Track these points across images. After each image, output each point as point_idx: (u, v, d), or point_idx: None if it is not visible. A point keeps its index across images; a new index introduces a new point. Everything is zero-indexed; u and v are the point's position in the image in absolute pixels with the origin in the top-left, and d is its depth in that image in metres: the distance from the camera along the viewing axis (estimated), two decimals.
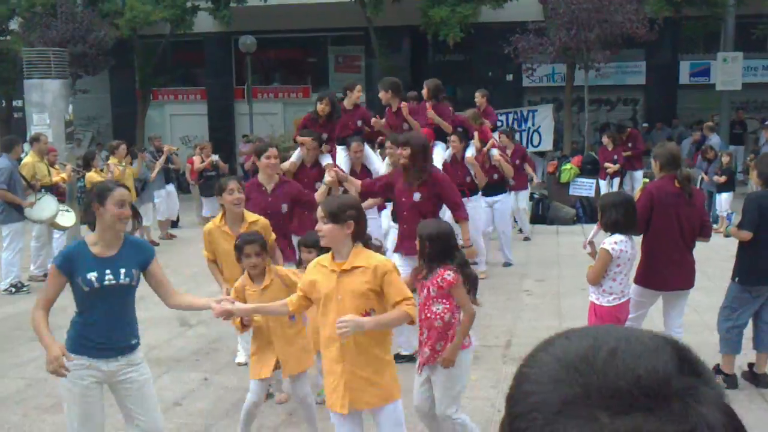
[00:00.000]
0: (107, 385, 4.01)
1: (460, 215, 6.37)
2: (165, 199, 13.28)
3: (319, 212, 3.76)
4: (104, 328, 3.88)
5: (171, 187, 13.58)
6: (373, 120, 8.55)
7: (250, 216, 5.52)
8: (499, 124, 16.94)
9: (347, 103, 8.66)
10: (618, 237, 4.95)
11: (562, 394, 0.78)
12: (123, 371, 3.95)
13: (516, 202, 11.87)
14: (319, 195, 6.53)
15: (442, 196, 6.30)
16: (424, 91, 8.65)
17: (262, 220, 5.55)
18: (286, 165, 7.82)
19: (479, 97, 11.55)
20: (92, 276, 3.81)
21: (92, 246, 3.88)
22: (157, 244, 12.75)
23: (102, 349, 3.89)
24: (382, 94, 8.36)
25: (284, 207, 6.18)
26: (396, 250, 6.44)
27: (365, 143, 8.47)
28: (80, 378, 3.87)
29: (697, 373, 0.80)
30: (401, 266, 5.51)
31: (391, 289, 3.67)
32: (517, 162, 11.85)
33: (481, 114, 10.90)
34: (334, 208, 3.71)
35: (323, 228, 3.71)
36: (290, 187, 6.36)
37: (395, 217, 7.35)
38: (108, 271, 3.83)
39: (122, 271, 3.86)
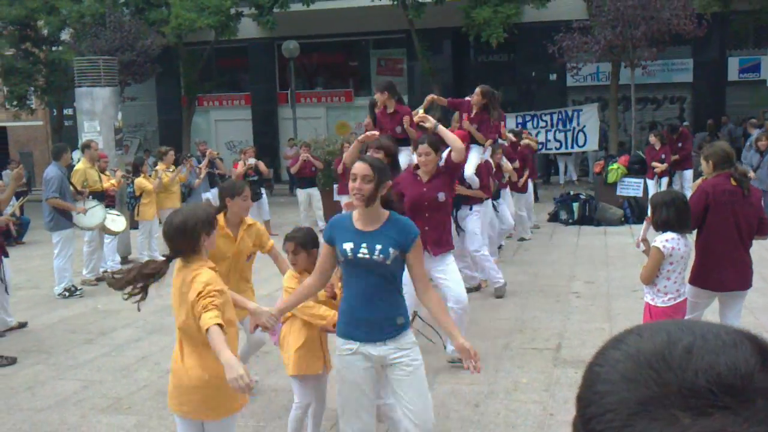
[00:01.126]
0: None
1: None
2: (210, 204, 13.45)
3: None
4: (360, 306, 3.76)
5: (215, 191, 13.74)
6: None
7: (248, 219, 5.50)
8: (543, 124, 16.86)
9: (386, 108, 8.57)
10: (669, 234, 4.85)
11: (638, 394, 0.75)
12: (390, 356, 3.75)
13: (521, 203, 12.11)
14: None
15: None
16: (477, 97, 8.49)
17: (258, 224, 5.55)
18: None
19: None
20: (348, 246, 3.73)
21: (356, 219, 3.79)
22: None
23: (363, 331, 3.76)
24: (377, 95, 8.24)
25: (441, 195, 6.07)
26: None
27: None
28: (348, 364, 3.81)
29: None
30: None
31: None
32: (517, 163, 11.89)
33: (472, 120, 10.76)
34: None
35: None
36: (445, 176, 6.16)
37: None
38: (364, 245, 3.70)
39: (379, 246, 3.69)
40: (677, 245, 4.83)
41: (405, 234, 3.73)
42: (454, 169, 6.24)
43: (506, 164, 10.71)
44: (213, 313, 3.36)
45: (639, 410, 0.74)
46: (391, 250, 3.67)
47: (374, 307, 3.71)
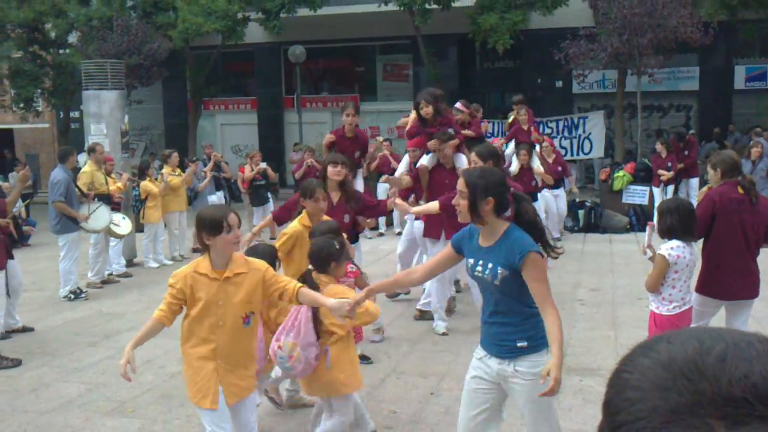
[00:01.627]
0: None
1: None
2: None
3: None
4: (486, 319, 3.72)
5: (220, 194, 13.75)
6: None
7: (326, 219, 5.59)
8: (549, 131, 16.84)
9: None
10: (674, 243, 4.84)
11: (671, 402, 0.74)
12: (509, 378, 3.62)
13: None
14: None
15: None
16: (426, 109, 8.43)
17: (332, 221, 5.57)
18: (421, 167, 7.79)
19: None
20: (469, 262, 3.70)
21: (480, 234, 3.70)
22: None
23: (487, 343, 3.70)
24: (423, 107, 8.18)
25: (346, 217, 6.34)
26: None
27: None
28: (473, 367, 3.79)
29: None
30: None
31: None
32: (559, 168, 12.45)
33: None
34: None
35: None
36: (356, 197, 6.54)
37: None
38: (480, 262, 3.64)
39: (489, 265, 3.58)
40: (682, 253, 4.81)
41: (513, 252, 3.51)
42: None
43: (537, 167, 10.77)
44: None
45: (672, 418, 0.73)
46: (499, 269, 3.52)
47: (492, 324, 3.66)
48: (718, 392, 0.73)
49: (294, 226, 5.70)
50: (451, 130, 7.80)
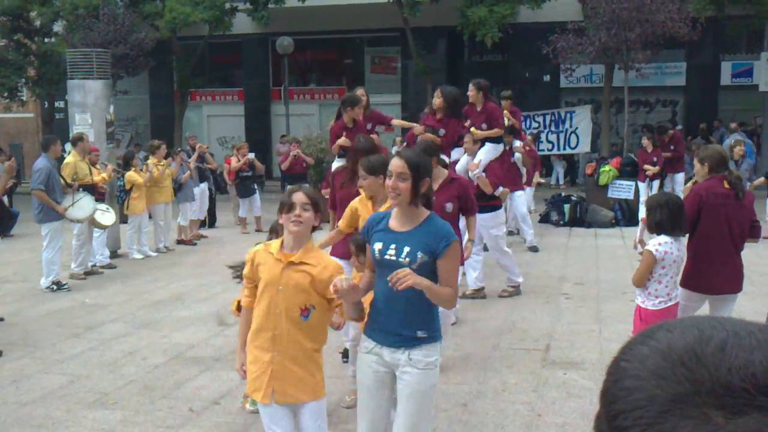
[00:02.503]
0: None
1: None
2: (198, 198, 13.31)
3: None
4: (383, 308, 3.60)
5: (204, 186, 13.63)
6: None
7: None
8: (536, 125, 16.90)
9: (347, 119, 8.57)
10: (663, 238, 4.85)
11: (669, 390, 0.73)
12: (401, 366, 3.56)
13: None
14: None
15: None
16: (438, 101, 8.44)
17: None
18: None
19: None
20: (377, 246, 3.57)
21: (392, 218, 3.62)
22: (194, 244, 12.87)
23: (380, 333, 3.61)
24: (471, 93, 8.37)
25: (448, 206, 6.16)
26: None
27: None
28: (364, 364, 3.69)
29: None
30: None
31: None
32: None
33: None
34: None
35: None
36: (457, 185, 6.27)
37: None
38: (393, 246, 3.52)
39: (406, 249, 3.48)
40: (670, 249, 4.82)
41: (439, 238, 3.48)
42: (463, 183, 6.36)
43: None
44: None
45: (670, 407, 0.72)
46: (419, 254, 3.45)
47: (394, 313, 3.54)
48: (717, 381, 0.72)
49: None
50: (442, 132, 7.89)
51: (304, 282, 3.61)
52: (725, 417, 0.70)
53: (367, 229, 3.71)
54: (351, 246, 4.66)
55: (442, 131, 7.90)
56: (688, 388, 0.72)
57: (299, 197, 3.59)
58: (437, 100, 8.04)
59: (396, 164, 3.53)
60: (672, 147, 13.97)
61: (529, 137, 12.81)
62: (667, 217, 4.82)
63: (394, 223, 3.58)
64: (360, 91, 8.60)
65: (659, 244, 4.83)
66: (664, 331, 0.80)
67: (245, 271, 3.80)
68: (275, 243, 3.74)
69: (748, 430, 0.68)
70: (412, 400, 3.54)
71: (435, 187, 5.53)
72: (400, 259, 3.46)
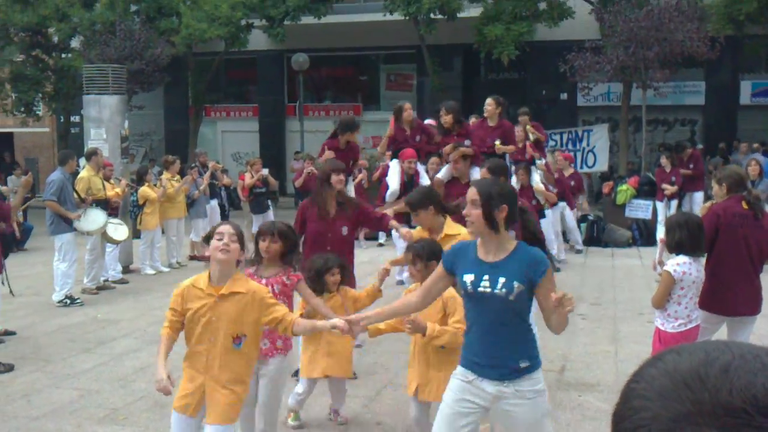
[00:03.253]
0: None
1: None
2: (209, 215, 13.27)
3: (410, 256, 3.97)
4: (479, 340, 3.51)
5: (214, 203, 13.58)
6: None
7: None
8: (553, 143, 16.80)
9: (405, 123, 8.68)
10: (681, 258, 4.76)
11: (672, 410, 0.75)
12: (508, 399, 3.45)
13: (567, 222, 12.33)
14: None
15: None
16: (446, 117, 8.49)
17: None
18: (436, 180, 7.79)
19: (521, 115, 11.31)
20: (468, 278, 3.48)
21: (479, 248, 3.54)
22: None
23: (481, 366, 3.50)
24: (489, 108, 8.34)
25: (344, 230, 6.15)
26: None
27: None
28: (458, 390, 3.55)
29: None
30: None
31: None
32: (572, 183, 12.06)
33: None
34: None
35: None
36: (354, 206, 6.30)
37: None
38: (486, 277, 3.44)
39: (502, 280, 3.41)
40: (689, 270, 4.73)
41: (533, 266, 3.41)
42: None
43: (536, 185, 10.51)
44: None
45: (671, 427, 0.74)
46: (515, 283, 3.37)
47: (496, 345, 3.44)
48: (718, 402, 0.74)
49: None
50: (468, 142, 7.78)
51: (234, 312, 3.81)
52: None
53: (452, 260, 3.61)
54: (408, 254, 4.60)
55: (468, 141, 7.91)
56: (689, 408, 0.74)
57: (227, 228, 3.85)
58: (447, 117, 8.02)
59: (469, 192, 3.55)
60: (691, 165, 13.83)
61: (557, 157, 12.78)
62: (686, 237, 4.74)
63: (482, 253, 3.49)
64: (407, 105, 8.71)
65: (678, 264, 4.74)
66: (673, 353, 0.82)
67: (171, 303, 3.97)
68: (203, 278, 3.92)
69: None
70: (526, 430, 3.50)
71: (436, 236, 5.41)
72: (496, 291, 3.38)
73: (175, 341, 3.97)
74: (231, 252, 3.81)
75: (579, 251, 12.68)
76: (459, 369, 3.57)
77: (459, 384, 3.54)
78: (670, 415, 0.75)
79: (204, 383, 3.86)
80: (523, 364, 3.43)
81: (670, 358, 0.82)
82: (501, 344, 3.43)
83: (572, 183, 12.63)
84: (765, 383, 0.74)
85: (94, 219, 9.79)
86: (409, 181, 8.61)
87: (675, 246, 4.81)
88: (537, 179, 10.51)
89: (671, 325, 4.82)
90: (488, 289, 3.39)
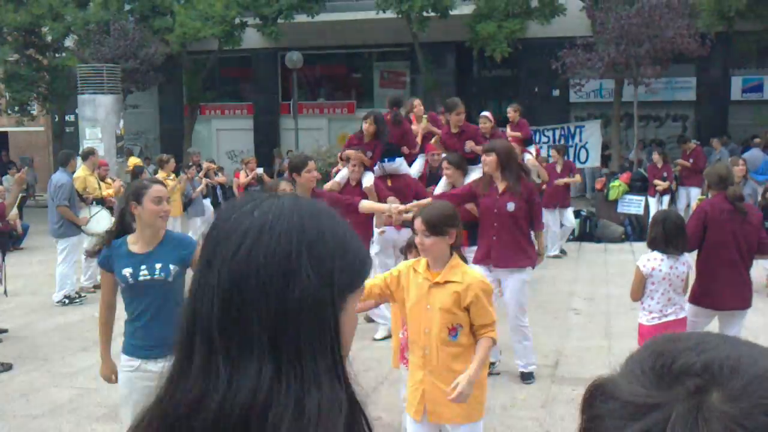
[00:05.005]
0: None
1: (539, 226, 6.40)
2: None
3: (419, 225, 3.64)
4: (147, 326, 3.87)
5: (207, 202, 13.60)
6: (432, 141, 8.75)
7: None
8: (545, 140, 16.89)
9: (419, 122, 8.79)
10: (654, 255, 4.94)
11: (629, 375, 0.82)
12: None
13: (561, 219, 12.18)
14: (367, 206, 6.13)
15: (530, 204, 6.18)
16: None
17: None
18: (329, 185, 7.82)
19: (511, 112, 11.34)
20: (127, 272, 3.83)
21: (131, 244, 3.90)
22: None
23: (150, 348, 3.85)
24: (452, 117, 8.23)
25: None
26: (480, 262, 6.15)
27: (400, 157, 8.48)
28: (131, 381, 3.90)
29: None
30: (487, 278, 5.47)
31: (479, 311, 3.61)
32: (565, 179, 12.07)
33: (514, 127, 10.81)
34: (435, 220, 3.59)
35: (425, 242, 3.61)
36: (324, 200, 6.22)
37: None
38: (143, 267, 3.83)
39: (158, 266, 3.83)
40: (658, 266, 4.87)
41: (184, 248, 3.93)
42: None
43: (529, 159, 10.47)
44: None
45: (623, 384, 0.81)
46: (171, 267, 3.86)
47: (158, 327, 3.84)
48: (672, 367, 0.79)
49: None
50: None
51: (448, 301, 3.61)
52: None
53: (108, 260, 3.98)
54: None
55: (369, 153, 7.89)
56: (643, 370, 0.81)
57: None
58: (370, 126, 8.01)
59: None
60: (691, 160, 13.93)
61: (552, 150, 12.76)
62: (660, 234, 4.88)
63: (135, 248, 3.93)
64: (416, 101, 8.76)
65: (647, 260, 4.94)
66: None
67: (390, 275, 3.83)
68: (423, 262, 3.75)
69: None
70: None
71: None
72: (156, 276, 3.87)
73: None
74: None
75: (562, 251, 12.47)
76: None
77: (128, 375, 3.99)
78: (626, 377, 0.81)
79: (422, 380, 3.74)
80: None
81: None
82: (165, 324, 3.81)
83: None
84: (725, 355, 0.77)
85: (99, 219, 9.87)
86: (431, 174, 8.67)
87: (649, 242, 5.00)
88: (528, 157, 10.41)
89: (646, 319, 5.06)
90: (148, 277, 3.85)
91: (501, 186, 6.11)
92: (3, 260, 8.15)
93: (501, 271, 6.13)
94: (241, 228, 1.00)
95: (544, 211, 11.80)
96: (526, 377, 6.25)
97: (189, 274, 3.99)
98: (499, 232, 6.08)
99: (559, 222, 12.21)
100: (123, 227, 3.98)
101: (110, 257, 3.90)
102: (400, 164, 8.28)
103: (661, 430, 0.72)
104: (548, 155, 13.52)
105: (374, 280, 3.85)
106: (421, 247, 3.66)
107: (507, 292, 6.17)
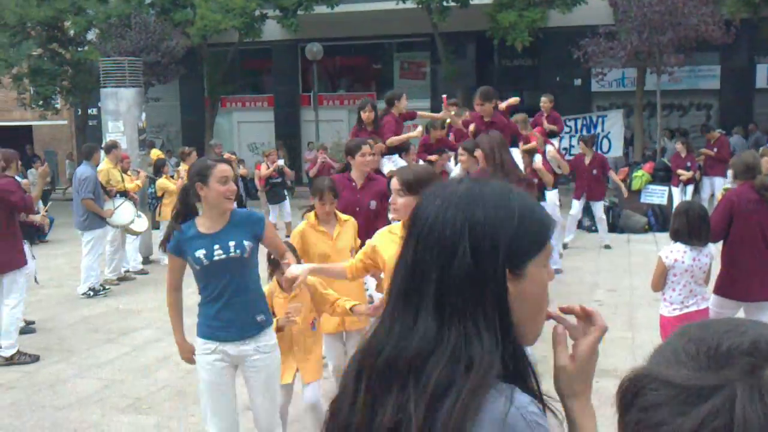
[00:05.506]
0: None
1: None
2: None
3: (395, 184, 3.61)
4: (226, 306, 3.86)
5: None
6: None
7: (342, 215, 5.20)
8: (567, 130, 16.76)
9: (396, 112, 8.60)
10: (677, 246, 4.90)
11: (666, 359, 0.86)
12: (250, 357, 3.92)
13: (594, 211, 12.08)
14: None
15: None
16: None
17: (352, 221, 5.26)
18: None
19: (547, 102, 11.31)
20: (200, 253, 3.80)
21: (200, 226, 3.87)
22: None
23: (227, 329, 3.87)
24: (484, 106, 8.12)
25: (372, 203, 6.10)
26: None
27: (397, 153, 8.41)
28: (209, 363, 3.90)
29: None
30: None
31: None
32: (595, 171, 11.68)
33: (547, 119, 10.79)
34: (412, 179, 3.54)
35: (398, 201, 3.57)
36: (380, 183, 6.16)
37: None
38: (216, 246, 3.80)
39: (231, 244, 3.81)
40: (681, 258, 4.83)
41: (253, 224, 3.95)
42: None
43: (536, 164, 10.33)
44: None
45: (669, 372, 0.84)
46: (245, 243, 3.87)
47: (234, 306, 3.90)
48: (718, 350, 0.83)
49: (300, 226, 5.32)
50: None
51: None
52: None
53: (177, 244, 4.00)
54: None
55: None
56: (686, 357, 0.84)
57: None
58: (370, 114, 7.97)
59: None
60: (715, 149, 13.77)
61: (580, 143, 12.55)
62: (684, 225, 4.84)
63: (203, 229, 3.95)
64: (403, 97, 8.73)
65: (670, 251, 4.92)
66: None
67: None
68: (399, 225, 3.77)
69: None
70: (268, 381, 4.07)
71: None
72: (231, 254, 3.87)
73: None
74: None
75: (606, 246, 12.09)
76: (201, 343, 4.07)
77: (206, 359, 4.02)
78: (667, 365, 0.83)
79: None
80: (260, 318, 3.96)
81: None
82: (241, 303, 3.95)
83: (594, 171, 11.81)
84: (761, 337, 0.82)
85: (124, 211, 9.96)
86: None
87: (672, 233, 4.95)
88: (550, 148, 10.29)
89: (667, 310, 5.02)
90: (223, 255, 3.87)
91: None
92: (31, 253, 8.25)
93: None
94: (425, 213, 1.24)
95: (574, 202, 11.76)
96: None
97: (262, 250, 4.06)
98: None
99: (580, 212, 12.09)
100: (187, 209, 3.93)
101: (180, 242, 3.86)
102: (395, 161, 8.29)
103: (729, 409, 0.75)
104: (570, 146, 13.42)
105: (356, 256, 3.98)
106: (394, 207, 3.64)
107: None
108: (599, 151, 17.17)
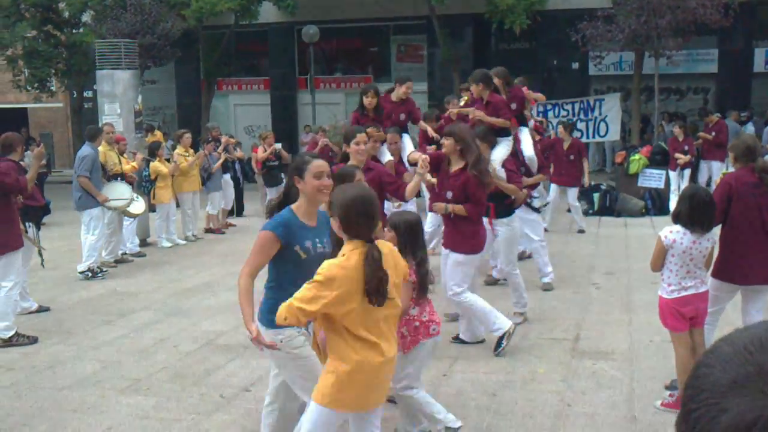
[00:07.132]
0: None
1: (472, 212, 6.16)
2: (222, 188, 13.35)
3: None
4: None
5: (227, 177, 13.64)
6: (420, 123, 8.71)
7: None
8: (564, 113, 16.74)
9: (394, 96, 8.55)
10: (676, 227, 4.92)
11: (732, 373, 0.80)
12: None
13: (567, 197, 12.10)
14: (411, 188, 5.97)
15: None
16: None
17: None
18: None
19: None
20: (309, 244, 3.84)
21: (300, 217, 3.89)
22: (223, 233, 12.99)
23: None
24: (473, 88, 8.05)
25: None
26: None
27: (403, 134, 8.35)
28: (302, 344, 3.89)
29: None
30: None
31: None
32: (572, 157, 11.84)
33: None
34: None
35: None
36: (376, 172, 6.08)
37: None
38: (317, 240, 3.88)
39: (324, 240, 3.89)
40: (679, 239, 4.85)
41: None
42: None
43: (492, 164, 10.15)
44: None
45: (732, 388, 0.79)
46: (326, 240, 3.93)
47: None
48: None
49: None
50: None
51: None
52: None
53: (287, 230, 3.93)
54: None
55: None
56: (750, 370, 0.79)
57: None
58: (373, 99, 7.92)
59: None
60: (713, 133, 13.77)
61: (560, 127, 12.55)
62: (686, 211, 4.85)
63: (305, 221, 3.95)
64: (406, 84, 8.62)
65: (669, 231, 4.94)
66: (742, 330, 0.88)
67: None
68: None
69: None
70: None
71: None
72: (326, 249, 3.89)
73: None
74: None
75: (580, 230, 12.07)
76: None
77: (291, 344, 3.95)
78: (730, 377, 0.79)
79: None
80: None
81: (738, 332, 0.86)
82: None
83: (571, 157, 11.85)
84: None
85: (120, 194, 9.95)
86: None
87: (674, 216, 4.99)
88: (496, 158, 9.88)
89: (665, 291, 5.03)
90: (322, 249, 3.89)
91: (454, 168, 6.11)
92: (37, 234, 8.24)
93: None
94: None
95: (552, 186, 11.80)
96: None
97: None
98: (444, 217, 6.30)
99: (557, 198, 12.17)
100: (288, 199, 3.99)
101: (292, 228, 3.83)
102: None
103: None
104: (555, 128, 13.40)
105: None
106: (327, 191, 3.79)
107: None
108: (597, 135, 17.21)
